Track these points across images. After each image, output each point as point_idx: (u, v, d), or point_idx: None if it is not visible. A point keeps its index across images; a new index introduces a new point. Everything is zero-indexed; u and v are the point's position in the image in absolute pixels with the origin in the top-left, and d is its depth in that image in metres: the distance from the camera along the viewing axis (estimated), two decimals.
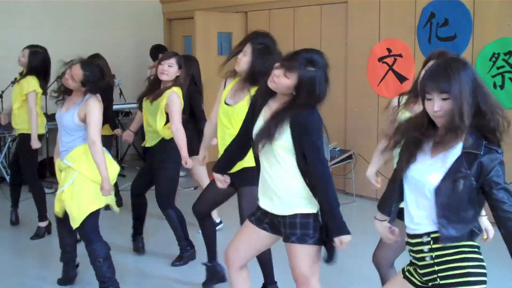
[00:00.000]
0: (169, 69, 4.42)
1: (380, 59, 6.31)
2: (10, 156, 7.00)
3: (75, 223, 3.80)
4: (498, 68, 5.37)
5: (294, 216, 2.76)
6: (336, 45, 6.75)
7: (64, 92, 3.95)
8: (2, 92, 6.91)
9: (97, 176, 3.76)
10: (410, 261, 2.48)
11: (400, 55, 6.12)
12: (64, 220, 3.91)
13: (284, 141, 2.73)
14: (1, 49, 7.36)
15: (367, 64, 6.44)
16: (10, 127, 6.40)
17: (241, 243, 2.98)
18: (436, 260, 2.31)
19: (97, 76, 3.84)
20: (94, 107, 3.76)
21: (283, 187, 2.78)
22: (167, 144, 4.47)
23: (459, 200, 2.24)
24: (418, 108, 3.00)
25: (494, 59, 5.38)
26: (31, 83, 5.09)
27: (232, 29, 7.82)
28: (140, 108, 4.67)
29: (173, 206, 4.60)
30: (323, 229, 2.78)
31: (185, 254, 4.66)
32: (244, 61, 3.55)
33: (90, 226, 3.83)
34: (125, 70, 8.42)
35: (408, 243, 2.43)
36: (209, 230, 4.07)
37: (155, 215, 5.42)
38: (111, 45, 8.33)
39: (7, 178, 6.74)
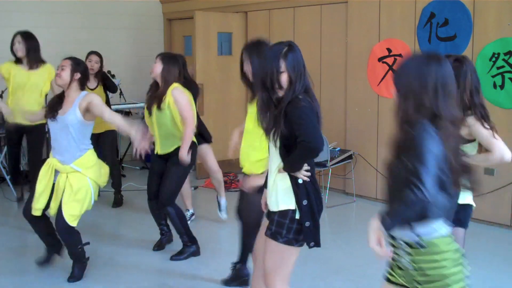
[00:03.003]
0: (153, 67, 4.60)
1: (380, 59, 6.31)
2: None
3: (75, 221, 4.09)
4: (498, 68, 5.37)
5: (274, 213, 2.86)
6: (336, 45, 6.76)
7: (57, 101, 4.18)
8: (2, 92, 6.90)
9: (99, 179, 4.19)
10: (390, 265, 2.45)
11: (400, 55, 6.12)
12: (43, 219, 4.26)
13: (275, 139, 2.82)
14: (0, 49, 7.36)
15: (367, 64, 6.44)
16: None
17: (263, 240, 3.02)
18: (414, 265, 2.30)
19: (83, 66, 4.21)
20: (96, 96, 4.14)
21: (272, 184, 2.88)
22: (192, 148, 4.64)
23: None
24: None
25: (494, 59, 5.38)
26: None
27: (232, 29, 7.83)
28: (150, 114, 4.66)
29: (174, 205, 4.66)
30: (302, 231, 2.81)
31: (187, 249, 4.72)
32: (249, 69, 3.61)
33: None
34: (125, 70, 8.42)
35: (390, 242, 2.40)
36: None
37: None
38: (111, 45, 8.33)
39: (7, 178, 6.75)
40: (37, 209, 4.18)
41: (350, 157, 6.48)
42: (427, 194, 2.09)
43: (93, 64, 6.05)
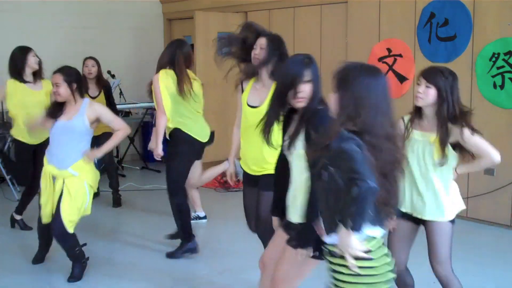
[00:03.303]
0: None
1: (380, 59, 6.30)
2: (9, 156, 6.98)
3: (73, 227, 4.10)
4: (498, 68, 5.36)
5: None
6: (336, 45, 6.76)
7: (56, 107, 4.18)
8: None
9: (95, 183, 4.22)
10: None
11: (400, 55, 6.12)
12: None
13: (298, 149, 2.71)
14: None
15: None
16: (10, 127, 6.39)
17: (275, 249, 2.97)
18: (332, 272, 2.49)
19: (74, 73, 4.16)
20: (102, 107, 4.27)
21: (296, 195, 2.77)
22: (179, 135, 4.62)
23: None
24: (425, 123, 3.08)
25: (494, 59, 5.38)
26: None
27: (232, 29, 7.78)
28: None
29: (181, 197, 4.68)
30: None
31: (184, 245, 4.71)
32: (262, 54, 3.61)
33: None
34: (125, 70, 8.41)
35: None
36: None
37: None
38: (111, 45, 8.34)
39: (7, 178, 6.75)
40: (46, 217, 4.26)
41: None
42: (371, 182, 2.12)
43: (90, 68, 6.05)
